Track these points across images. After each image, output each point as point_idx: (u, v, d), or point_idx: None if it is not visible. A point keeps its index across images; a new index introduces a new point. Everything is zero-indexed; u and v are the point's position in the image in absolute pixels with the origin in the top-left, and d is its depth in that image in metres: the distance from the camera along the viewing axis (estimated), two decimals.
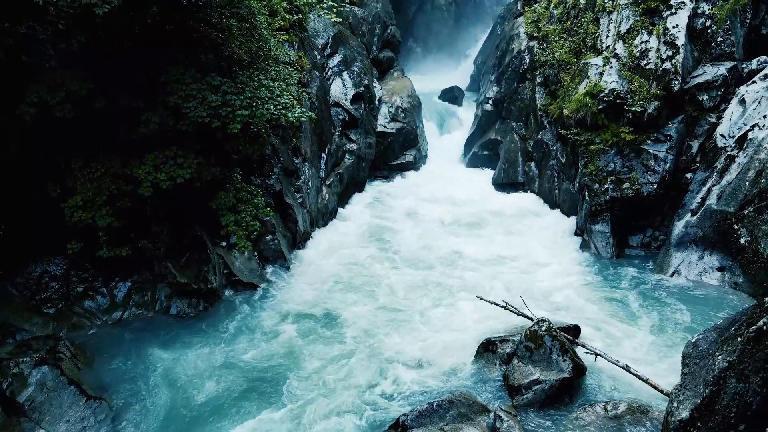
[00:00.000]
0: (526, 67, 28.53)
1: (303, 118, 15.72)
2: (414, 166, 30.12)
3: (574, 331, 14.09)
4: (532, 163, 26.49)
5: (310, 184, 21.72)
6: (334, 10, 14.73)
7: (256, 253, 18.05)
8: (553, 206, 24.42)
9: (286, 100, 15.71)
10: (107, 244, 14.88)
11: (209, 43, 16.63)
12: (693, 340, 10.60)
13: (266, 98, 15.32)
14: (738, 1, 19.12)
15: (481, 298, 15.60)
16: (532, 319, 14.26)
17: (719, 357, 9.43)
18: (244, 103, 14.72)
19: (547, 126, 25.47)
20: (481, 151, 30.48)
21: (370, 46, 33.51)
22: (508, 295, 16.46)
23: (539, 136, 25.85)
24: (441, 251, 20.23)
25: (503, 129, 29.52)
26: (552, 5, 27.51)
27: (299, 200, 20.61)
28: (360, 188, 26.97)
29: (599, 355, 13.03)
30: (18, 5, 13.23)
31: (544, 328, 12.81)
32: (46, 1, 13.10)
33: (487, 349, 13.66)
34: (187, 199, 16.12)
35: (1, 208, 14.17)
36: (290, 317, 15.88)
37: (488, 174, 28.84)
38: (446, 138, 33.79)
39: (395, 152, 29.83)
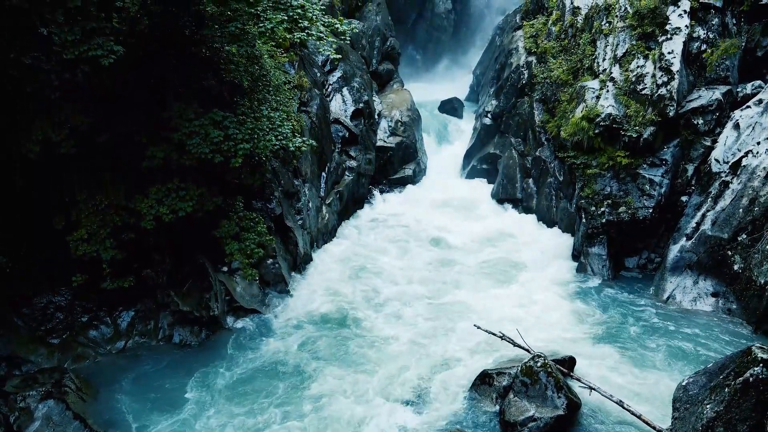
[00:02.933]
0: (524, 82, 28.70)
1: (304, 148, 16.01)
2: (413, 179, 30.36)
3: (570, 363, 14.35)
4: (531, 179, 26.73)
5: (310, 204, 21.97)
6: (334, 46, 14.93)
7: (257, 278, 18.30)
8: (551, 224, 24.66)
9: (287, 130, 15.96)
10: (111, 276, 15.15)
11: (211, 70, 16.89)
12: (683, 384, 10.90)
13: (267, 129, 15.58)
14: (728, 50, 19.49)
15: (478, 327, 15.86)
16: (528, 351, 14.52)
17: (708, 406, 9.72)
18: (246, 136, 14.96)
19: (546, 143, 25.71)
20: (480, 164, 30.72)
21: (370, 59, 33.72)
22: (504, 320, 16.77)
23: (537, 153, 26.10)
24: (435, 275, 20.48)
25: (502, 143, 29.73)
26: (550, 22, 27.69)
27: (299, 222, 20.86)
28: (360, 205, 27.22)
29: (594, 389, 13.30)
30: (23, 35, 13.42)
31: (539, 364, 13.08)
32: (50, 31, 13.35)
33: (483, 381, 13.93)
34: (189, 227, 16.37)
35: (8, 241, 14.43)
36: (284, 360, 15.68)
37: (487, 188, 29.07)
38: (445, 150, 34.06)
39: (395, 166, 30.07)
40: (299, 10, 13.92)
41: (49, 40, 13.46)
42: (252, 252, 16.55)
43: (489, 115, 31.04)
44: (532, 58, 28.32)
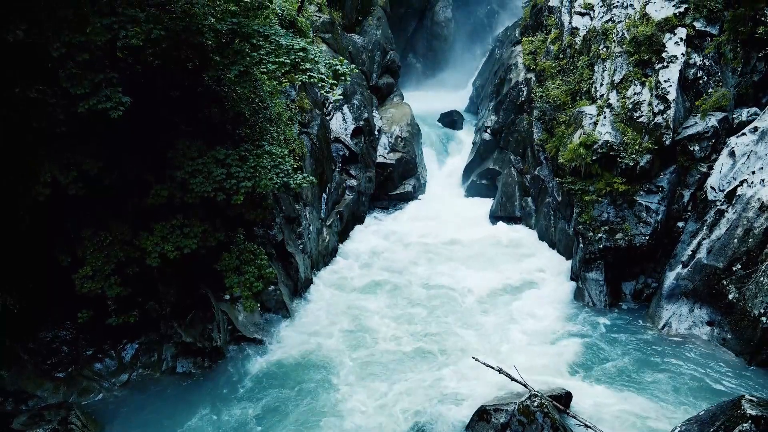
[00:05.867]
0: (523, 99, 28.91)
1: (305, 185, 16.23)
2: (413, 195, 30.65)
3: (566, 398, 14.62)
4: (529, 198, 27.01)
5: (311, 228, 22.22)
6: (337, 85, 15.18)
7: (258, 305, 18.53)
8: (549, 244, 24.94)
9: (288, 166, 16.18)
10: (116, 312, 15.40)
11: (214, 100, 17.10)
12: None
13: (269, 166, 15.77)
14: (720, 101, 19.99)
15: (476, 360, 16.10)
16: (525, 386, 14.78)
17: None
18: (248, 174, 15.16)
19: (544, 162, 25.98)
20: (479, 180, 30.96)
21: (370, 73, 33.95)
22: (500, 350, 17.05)
23: (536, 172, 26.38)
24: (428, 305, 20.59)
25: (501, 159, 29.97)
26: (549, 40, 27.88)
27: (300, 247, 21.11)
28: (360, 221, 27.49)
29: (589, 427, 13.57)
30: (29, 69, 13.58)
31: (536, 404, 13.35)
32: (55, 66, 13.49)
33: (481, 417, 14.16)
34: (192, 260, 16.59)
35: (15, 280, 14.68)
36: (281, 399, 15.82)
37: (486, 204, 29.31)
38: (445, 164, 34.31)
39: (395, 182, 30.33)
40: (301, 53, 14.15)
41: (54, 73, 13.62)
42: (252, 285, 16.71)
43: (488, 130, 31.29)
44: (531, 75, 28.55)
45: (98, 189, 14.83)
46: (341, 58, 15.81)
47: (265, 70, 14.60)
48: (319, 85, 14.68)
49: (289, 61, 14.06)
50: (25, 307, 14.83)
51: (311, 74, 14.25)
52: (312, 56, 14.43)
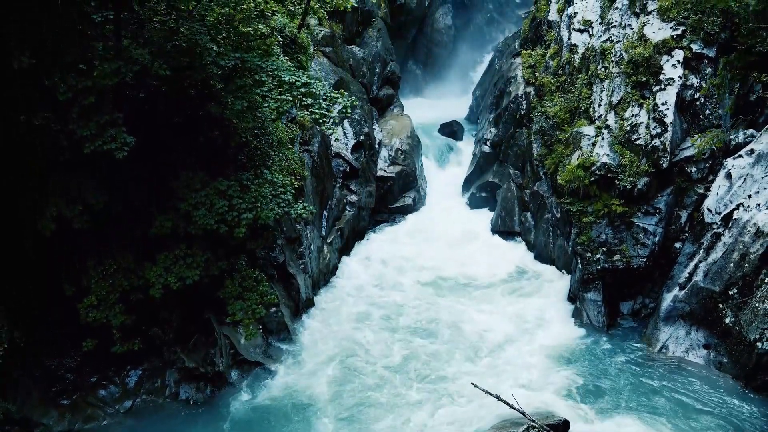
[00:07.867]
0: (522, 113, 29.00)
1: (305, 215, 16.45)
2: (413, 207, 30.74)
3: (564, 427, 14.81)
4: (529, 213, 27.18)
5: (312, 247, 22.41)
6: (335, 121, 15.39)
7: (260, 326, 18.76)
8: (548, 260, 25.12)
9: (289, 196, 16.39)
10: (121, 340, 15.62)
11: (215, 123, 17.29)
12: None
13: (270, 196, 16.01)
14: (713, 142, 20.08)
15: (475, 386, 16.23)
16: (523, 414, 14.97)
17: None
18: (249, 205, 15.40)
19: (543, 177, 26.12)
20: (479, 192, 31.12)
21: (370, 85, 34.08)
22: (499, 376, 17.27)
23: (535, 187, 26.53)
24: (427, 333, 20.63)
25: (501, 172, 30.11)
26: (548, 55, 28.03)
27: (301, 267, 21.31)
28: (360, 236, 27.67)
29: None
30: (33, 95, 13.75)
31: None
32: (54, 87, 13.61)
33: None
34: (195, 287, 16.78)
35: (22, 310, 14.91)
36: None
37: (486, 217, 29.47)
38: (445, 174, 34.29)
39: (395, 195, 30.47)
40: (302, 89, 14.34)
41: (57, 99, 13.75)
42: (254, 312, 16.89)
43: (488, 142, 31.44)
44: (531, 89, 28.67)
45: (102, 220, 15.05)
46: (342, 90, 15.92)
47: (268, 108, 14.77)
48: (320, 120, 14.85)
49: (291, 98, 14.25)
50: (30, 336, 15.07)
51: (313, 110, 14.44)
52: (314, 89, 14.61)
